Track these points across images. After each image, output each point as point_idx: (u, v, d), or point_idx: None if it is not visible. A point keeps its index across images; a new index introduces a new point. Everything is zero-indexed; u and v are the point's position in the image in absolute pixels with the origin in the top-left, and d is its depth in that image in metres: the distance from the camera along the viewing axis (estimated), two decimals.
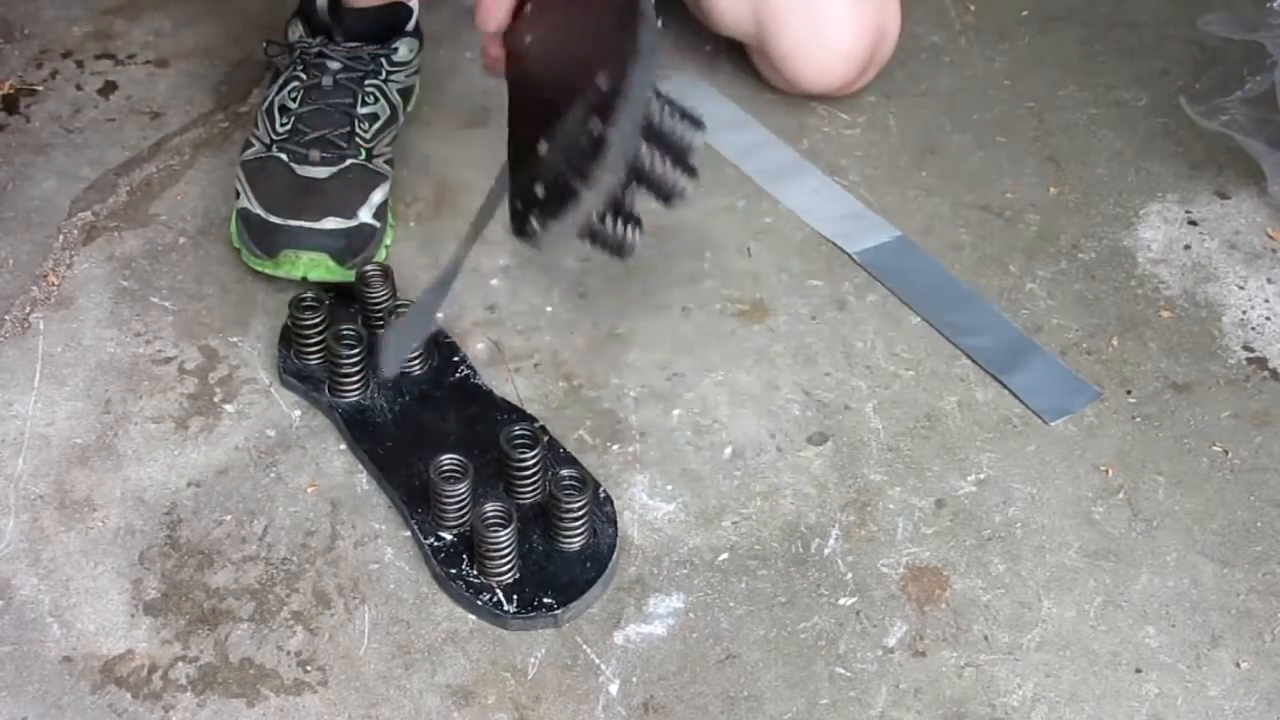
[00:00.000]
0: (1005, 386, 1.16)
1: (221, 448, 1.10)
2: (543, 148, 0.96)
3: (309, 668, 0.98)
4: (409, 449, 1.08)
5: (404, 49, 1.27)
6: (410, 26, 1.28)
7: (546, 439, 1.08)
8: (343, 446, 1.10)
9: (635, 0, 0.96)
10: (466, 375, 1.13)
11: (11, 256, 1.23)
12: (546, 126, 0.97)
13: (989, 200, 1.32)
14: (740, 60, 1.42)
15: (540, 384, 1.15)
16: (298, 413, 1.12)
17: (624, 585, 1.03)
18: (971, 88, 1.44)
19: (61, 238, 1.25)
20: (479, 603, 1.00)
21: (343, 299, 1.17)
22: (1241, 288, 1.25)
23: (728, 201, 1.30)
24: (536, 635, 0.99)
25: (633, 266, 1.19)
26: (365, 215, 1.20)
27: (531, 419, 1.10)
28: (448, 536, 1.03)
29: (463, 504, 1.03)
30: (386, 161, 1.24)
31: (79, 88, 1.39)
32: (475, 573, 1.01)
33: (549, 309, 1.21)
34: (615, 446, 1.11)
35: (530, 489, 1.05)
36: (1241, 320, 1.22)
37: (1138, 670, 0.99)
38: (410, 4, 1.28)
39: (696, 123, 0.98)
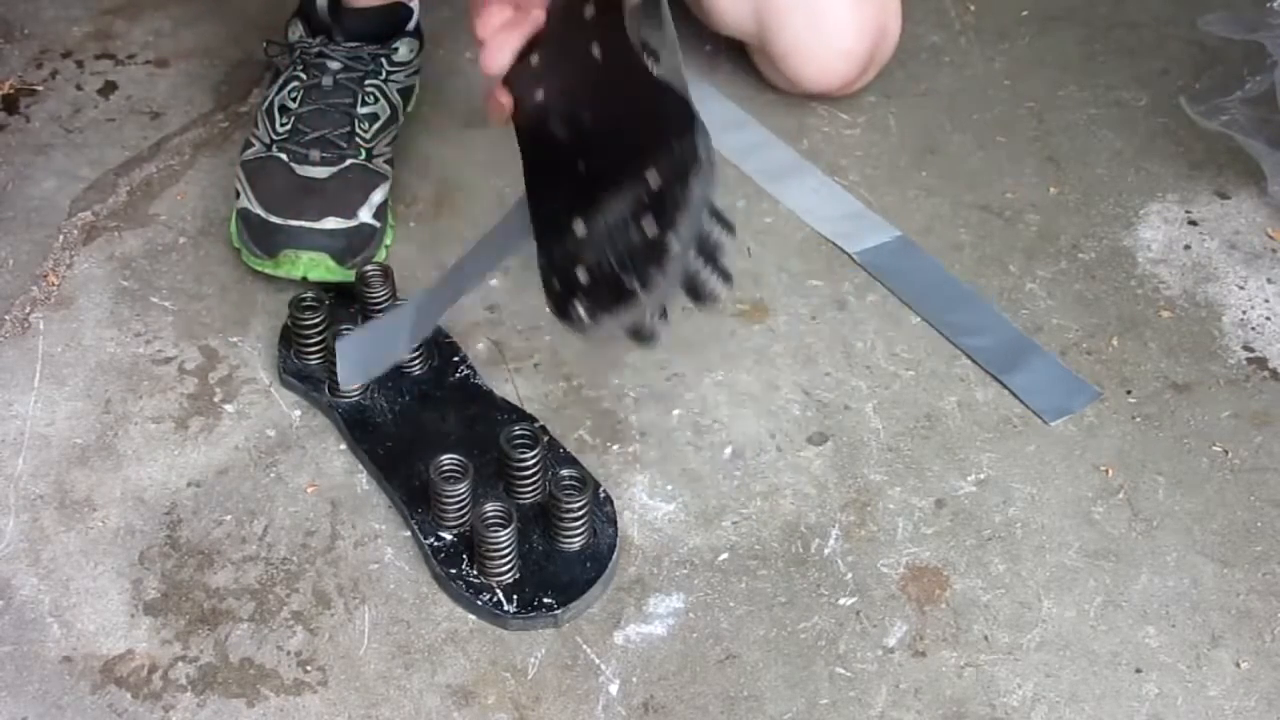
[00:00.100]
0: (1005, 386, 1.16)
1: (221, 448, 1.10)
2: (579, 228, 0.97)
3: (309, 668, 0.98)
4: (409, 449, 1.08)
5: (404, 49, 1.27)
6: (411, 26, 1.28)
7: (546, 439, 1.08)
8: (343, 446, 1.10)
9: (685, 101, 0.98)
10: (466, 375, 1.13)
11: (11, 256, 1.23)
12: (581, 204, 0.98)
13: (989, 200, 1.32)
14: (740, 60, 1.42)
15: (540, 384, 1.15)
16: (298, 413, 1.12)
17: (624, 585, 1.03)
18: (971, 88, 1.44)
19: (61, 238, 1.25)
20: (479, 603, 1.00)
21: (343, 299, 1.17)
22: (1241, 288, 1.25)
23: (728, 201, 1.30)
24: (536, 635, 0.99)
25: None
26: (365, 215, 1.20)
27: (531, 419, 1.10)
28: (448, 536, 1.03)
29: (463, 504, 1.03)
30: (386, 161, 1.24)
31: (79, 88, 1.39)
32: (475, 573, 1.01)
33: (548, 310, 1.20)
34: (615, 446, 1.11)
35: (530, 489, 1.05)
36: (1241, 320, 1.22)
37: (1138, 670, 0.99)
38: (410, 4, 1.28)
39: (728, 225, 1.00)
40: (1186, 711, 0.97)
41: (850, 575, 1.04)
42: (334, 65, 1.24)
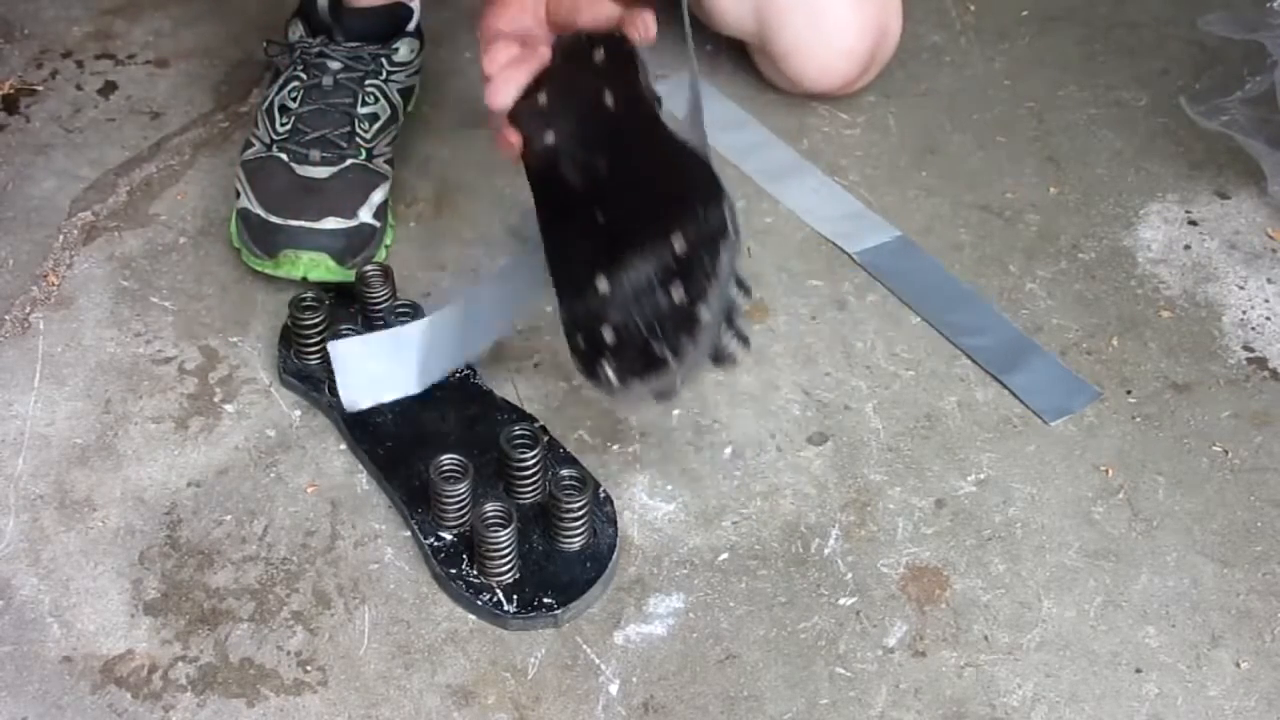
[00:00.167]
0: (1005, 386, 1.16)
1: (221, 448, 1.10)
2: (602, 285, 0.99)
3: (309, 668, 0.98)
4: (409, 449, 1.08)
5: (404, 49, 1.27)
6: (411, 27, 1.28)
7: (546, 439, 1.08)
8: (343, 446, 1.10)
9: (710, 168, 1.00)
10: (466, 375, 1.13)
11: (11, 256, 1.23)
12: (603, 261, 1.00)
13: (989, 200, 1.32)
14: (740, 60, 1.42)
15: (540, 384, 1.15)
16: (298, 413, 1.12)
17: (624, 585, 1.03)
18: (971, 88, 1.44)
19: (61, 238, 1.25)
20: (479, 603, 1.00)
21: (343, 299, 1.17)
22: (1241, 288, 1.25)
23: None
24: (536, 635, 0.99)
25: None
26: (365, 215, 1.20)
27: (531, 419, 1.10)
28: (448, 536, 1.03)
29: (463, 504, 1.03)
30: (387, 161, 1.24)
31: (79, 88, 1.39)
32: (475, 573, 1.01)
33: (549, 309, 1.20)
34: (615, 446, 1.11)
35: (530, 489, 1.05)
36: (1241, 320, 1.22)
37: (1138, 670, 0.99)
38: (411, 4, 1.28)
39: (746, 288, 1.01)
40: (1186, 711, 0.97)
41: (850, 575, 1.04)
42: (334, 65, 1.24)
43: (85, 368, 1.15)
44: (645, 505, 1.07)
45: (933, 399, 1.15)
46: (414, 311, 1.15)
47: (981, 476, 1.10)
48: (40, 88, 1.39)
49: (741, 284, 1.00)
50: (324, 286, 1.17)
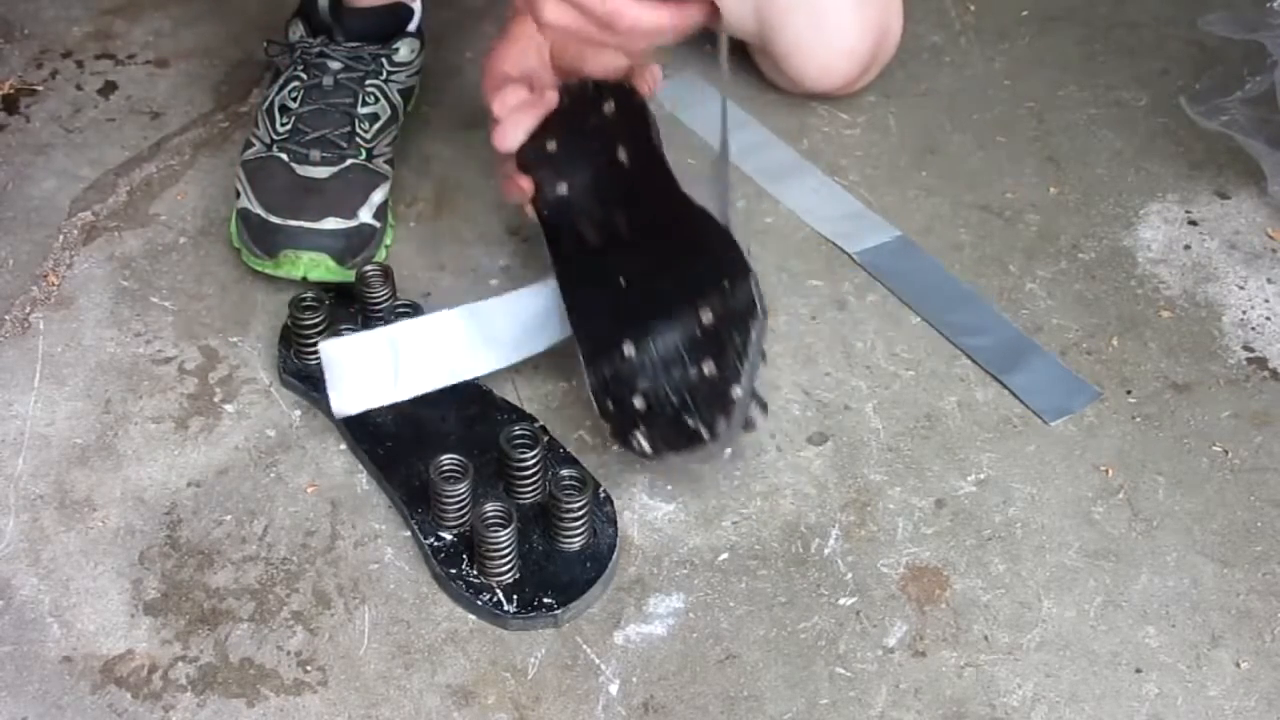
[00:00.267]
0: (1005, 386, 1.16)
1: (221, 448, 1.10)
2: (628, 349, 1.02)
3: (309, 668, 0.98)
4: (409, 449, 1.08)
5: (405, 49, 1.27)
6: (412, 27, 1.28)
7: (546, 439, 1.08)
8: (343, 446, 1.10)
9: (734, 242, 1.04)
10: None
11: (11, 256, 1.23)
12: (627, 325, 1.03)
13: (989, 200, 1.32)
14: (741, 60, 1.42)
15: (540, 384, 1.15)
16: (298, 413, 1.12)
17: (624, 585, 1.03)
18: (971, 88, 1.44)
19: (61, 238, 1.25)
20: (479, 603, 1.00)
21: (343, 299, 1.17)
22: (1241, 288, 1.25)
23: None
24: (536, 635, 0.99)
25: None
26: (365, 215, 1.20)
27: (531, 419, 1.10)
28: (448, 536, 1.03)
29: (463, 504, 1.03)
30: (387, 161, 1.24)
31: (79, 88, 1.39)
32: (475, 573, 1.01)
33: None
34: (615, 446, 1.11)
35: (530, 489, 1.05)
36: (1241, 320, 1.22)
37: (1138, 670, 0.99)
38: (412, 5, 1.28)
39: (763, 354, 1.04)
40: (1186, 711, 0.97)
41: (850, 575, 1.04)
42: (335, 65, 1.24)
43: (85, 368, 1.15)
44: (645, 505, 1.07)
45: (933, 399, 1.15)
46: (414, 311, 1.15)
47: (981, 476, 1.10)
48: (40, 88, 1.39)
49: (758, 398, 1.03)
50: (324, 286, 1.17)
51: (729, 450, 1.03)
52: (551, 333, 1.11)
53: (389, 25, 1.27)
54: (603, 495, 1.05)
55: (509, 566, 1.00)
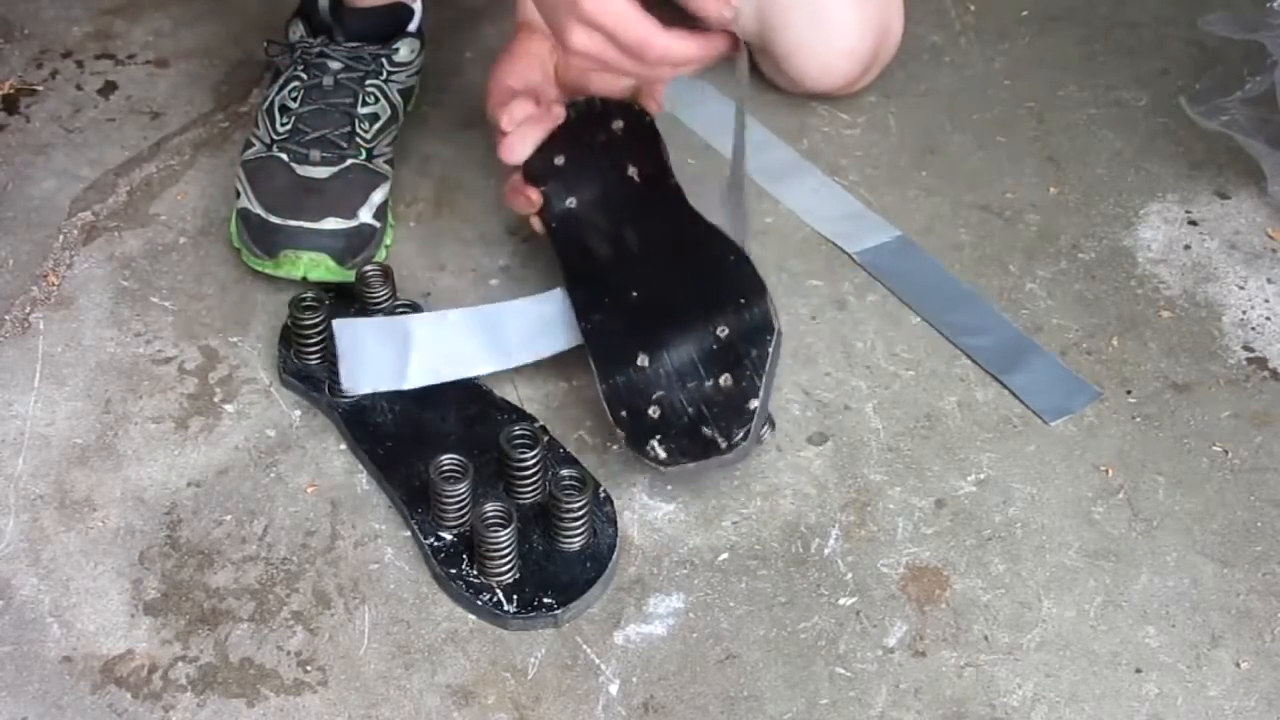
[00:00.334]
0: (1005, 386, 1.16)
1: (221, 448, 1.10)
2: (642, 359, 1.05)
3: (309, 668, 0.98)
4: (409, 449, 1.08)
5: (405, 49, 1.27)
6: (412, 27, 1.28)
7: (546, 439, 1.08)
8: (343, 446, 1.10)
9: (750, 262, 1.06)
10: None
11: (11, 256, 1.23)
12: (641, 336, 1.05)
13: (989, 200, 1.32)
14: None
15: (540, 384, 1.15)
16: (298, 413, 1.12)
17: (624, 585, 1.03)
18: (971, 88, 1.44)
19: (61, 238, 1.25)
20: (479, 603, 1.00)
21: (343, 299, 1.17)
22: (1241, 288, 1.25)
23: None
24: (536, 635, 0.99)
25: None
26: (365, 215, 1.20)
27: (531, 419, 1.10)
28: (448, 536, 1.03)
29: (463, 504, 1.03)
30: (387, 161, 1.24)
31: (79, 88, 1.39)
32: (475, 573, 1.01)
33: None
34: (615, 447, 1.11)
35: (530, 489, 1.05)
36: (1241, 320, 1.22)
37: (1138, 670, 0.99)
38: (412, 5, 1.28)
39: (772, 422, 1.08)
40: (1186, 711, 0.97)
41: (850, 575, 1.04)
42: (335, 65, 1.24)
43: (85, 368, 1.15)
44: (645, 505, 1.07)
45: (933, 399, 1.15)
46: (414, 312, 1.15)
47: (981, 476, 1.10)
48: (40, 88, 1.39)
49: (769, 416, 1.05)
50: (324, 286, 1.17)
51: (741, 457, 1.04)
52: (560, 339, 1.12)
53: (389, 25, 1.27)
54: (603, 495, 1.05)
55: (509, 566, 1.00)
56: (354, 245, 1.18)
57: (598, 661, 0.98)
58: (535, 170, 1.15)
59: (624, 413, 1.04)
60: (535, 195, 1.15)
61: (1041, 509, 1.08)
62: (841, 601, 1.02)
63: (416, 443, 1.08)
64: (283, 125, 1.22)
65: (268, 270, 1.18)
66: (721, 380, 1.03)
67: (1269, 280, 1.25)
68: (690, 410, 1.03)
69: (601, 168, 1.14)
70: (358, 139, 1.22)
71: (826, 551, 1.05)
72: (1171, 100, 1.39)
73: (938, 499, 1.08)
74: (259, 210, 1.18)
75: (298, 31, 1.27)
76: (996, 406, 1.15)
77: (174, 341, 1.17)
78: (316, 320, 1.12)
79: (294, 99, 1.23)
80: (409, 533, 1.04)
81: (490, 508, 1.01)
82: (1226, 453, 1.12)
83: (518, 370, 1.15)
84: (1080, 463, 1.11)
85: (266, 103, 1.24)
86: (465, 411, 1.11)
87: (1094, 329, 1.21)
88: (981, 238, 1.28)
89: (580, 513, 1.02)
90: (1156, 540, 1.06)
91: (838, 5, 1.33)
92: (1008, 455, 1.11)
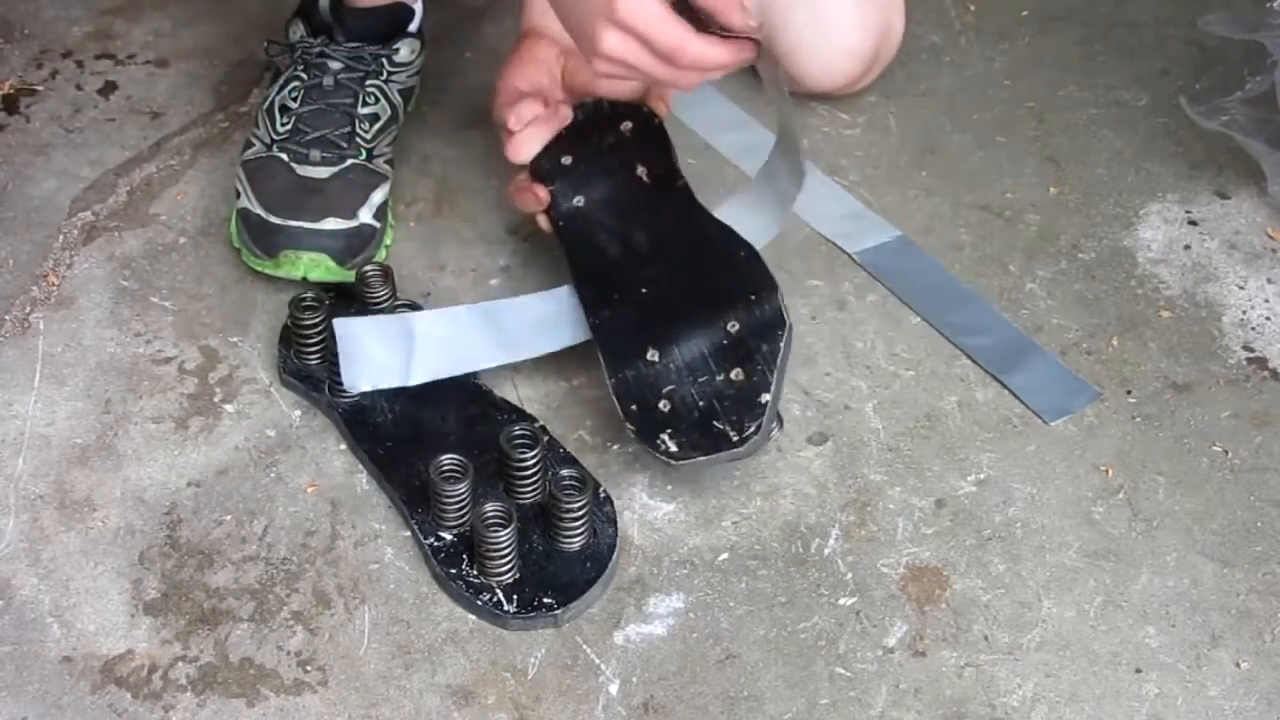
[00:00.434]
0: (1005, 386, 1.16)
1: (221, 448, 1.10)
2: (651, 354, 1.05)
3: (309, 668, 0.98)
4: (409, 449, 1.08)
5: (405, 50, 1.27)
6: (412, 27, 1.28)
7: (546, 439, 1.08)
8: (343, 446, 1.10)
9: (760, 259, 1.06)
10: (467, 375, 1.13)
11: (11, 256, 1.23)
12: (652, 332, 1.06)
13: (989, 200, 1.32)
14: None
15: (540, 384, 1.15)
16: (298, 413, 1.12)
17: (624, 585, 1.03)
18: (971, 88, 1.44)
19: (61, 238, 1.25)
20: (479, 603, 1.00)
21: (343, 299, 1.17)
22: (1241, 288, 1.25)
23: None
24: (536, 635, 0.99)
25: None
26: (365, 215, 1.20)
27: (531, 419, 1.10)
28: (448, 536, 1.03)
29: (463, 504, 1.03)
30: (387, 162, 1.24)
31: (79, 88, 1.39)
32: (475, 573, 1.01)
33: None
34: (615, 446, 1.11)
35: (530, 489, 1.05)
36: (1241, 320, 1.22)
37: (1138, 670, 0.99)
38: (412, 5, 1.28)
39: (780, 420, 1.07)
40: (1186, 711, 0.97)
41: (850, 575, 1.04)
42: (335, 65, 1.24)
43: (85, 368, 1.15)
44: (645, 505, 1.07)
45: (933, 399, 1.15)
46: (414, 311, 1.15)
47: (981, 476, 1.10)
48: (40, 88, 1.39)
49: (778, 414, 1.05)
50: (324, 286, 1.17)
51: (751, 452, 1.04)
52: (565, 335, 1.12)
53: (389, 25, 1.27)
54: (603, 495, 1.05)
55: (509, 566, 1.00)
56: (354, 245, 1.18)
57: (598, 661, 0.98)
58: (542, 169, 1.15)
59: (634, 406, 1.04)
60: (543, 192, 1.15)
61: (1041, 509, 1.08)
62: (841, 601, 1.02)
63: (416, 443, 1.08)
64: (283, 125, 1.22)
65: (268, 270, 1.18)
66: (733, 374, 1.03)
67: (1269, 280, 1.25)
68: (701, 404, 1.03)
69: (610, 167, 1.15)
70: (358, 139, 1.22)
71: (826, 551, 1.05)
72: (1171, 100, 1.39)
73: (938, 499, 1.08)
74: (259, 210, 1.18)
75: (298, 31, 1.27)
76: (996, 406, 1.15)
77: (174, 341, 1.17)
78: (316, 320, 1.12)
79: (294, 99, 1.23)
80: (409, 533, 1.04)
81: (490, 508, 1.01)
82: (1226, 453, 1.12)
83: (518, 370, 1.15)
84: (1080, 463, 1.11)
85: (266, 103, 1.24)
86: (465, 411, 1.11)
87: (1094, 329, 1.21)
88: (981, 238, 1.28)
89: (580, 513, 1.02)
90: (1156, 540, 1.06)
91: (838, 4, 1.33)
92: (1008, 455, 1.11)
